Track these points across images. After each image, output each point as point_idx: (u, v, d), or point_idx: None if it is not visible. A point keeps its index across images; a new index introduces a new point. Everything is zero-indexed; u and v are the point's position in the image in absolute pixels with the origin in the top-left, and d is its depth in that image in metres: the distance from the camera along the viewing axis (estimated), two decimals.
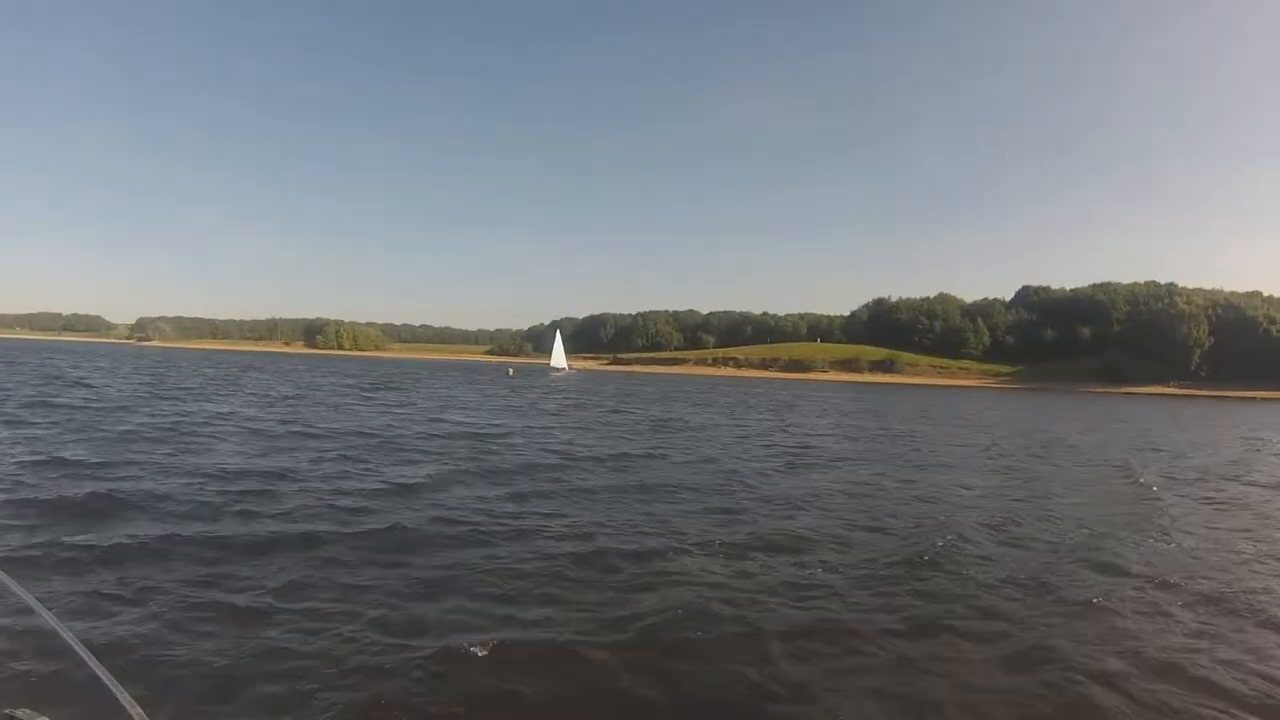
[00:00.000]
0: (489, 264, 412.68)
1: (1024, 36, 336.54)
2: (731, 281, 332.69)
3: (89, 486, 9.37)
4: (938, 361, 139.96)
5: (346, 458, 13.62)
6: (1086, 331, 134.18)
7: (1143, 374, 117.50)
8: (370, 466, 12.68)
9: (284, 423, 19.23)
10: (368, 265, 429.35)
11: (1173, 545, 9.50)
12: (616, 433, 21.40)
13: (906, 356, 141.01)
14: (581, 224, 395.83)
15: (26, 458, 11.60)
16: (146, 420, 17.93)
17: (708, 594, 6.59)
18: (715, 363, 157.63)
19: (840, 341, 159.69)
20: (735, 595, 6.62)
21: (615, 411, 30.07)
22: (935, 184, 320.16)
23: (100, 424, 16.48)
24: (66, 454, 12.03)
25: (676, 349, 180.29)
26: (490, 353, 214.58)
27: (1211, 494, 14.46)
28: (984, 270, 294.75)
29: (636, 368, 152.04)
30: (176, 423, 17.68)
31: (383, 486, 10.80)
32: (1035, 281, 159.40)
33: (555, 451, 16.25)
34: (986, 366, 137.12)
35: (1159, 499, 13.32)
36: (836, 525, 9.81)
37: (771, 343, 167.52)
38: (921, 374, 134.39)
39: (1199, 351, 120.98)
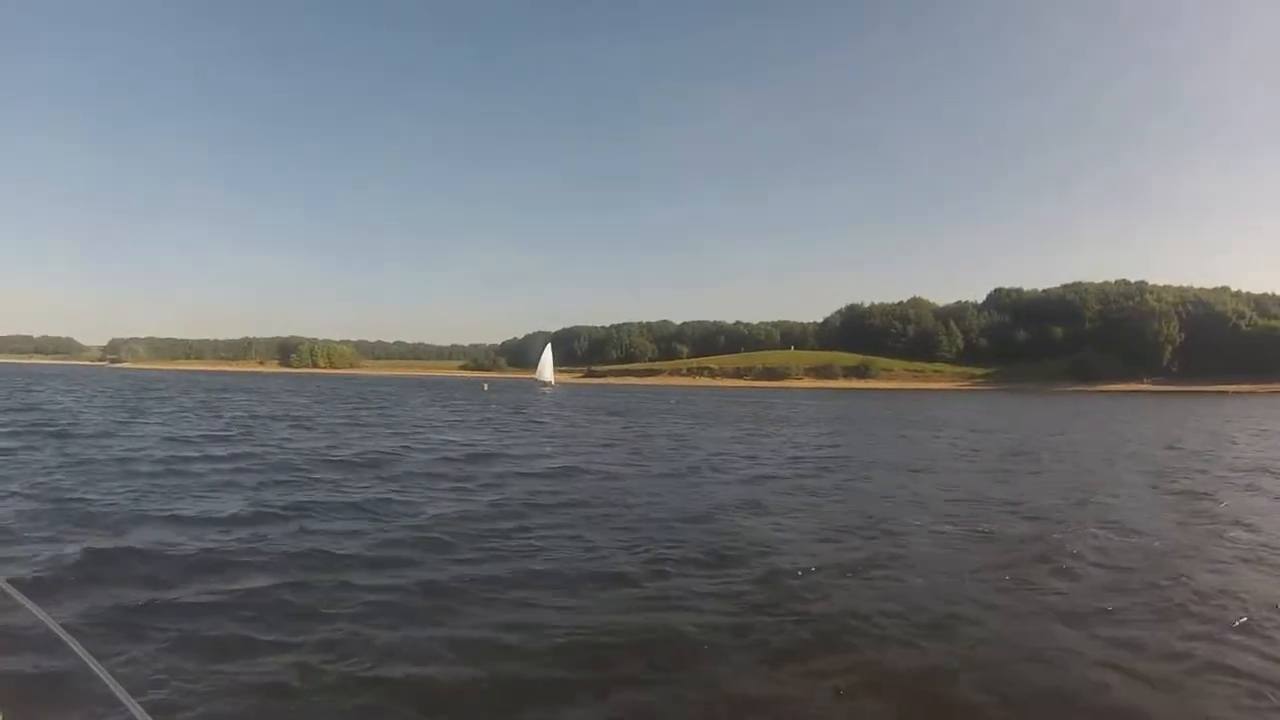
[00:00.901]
0: (461, 278, 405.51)
1: (1003, 42, 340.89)
2: (705, 290, 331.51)
3: (105, 534, 8.45)
4: (912, 365, 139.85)
5: (366, 489, 12.13)
6: (1059, 331, 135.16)
7: (1115, 372, 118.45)
8: (396, 498, 11.32)
9: (282, 449, 17.71)
10: (340, 281, 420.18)
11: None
12: (638, 449, 19.96)
13: (881, 362, 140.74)
14: (552, 237, 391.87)
15: (30, 497, 10.45)
16: (143, 451, 16.43)
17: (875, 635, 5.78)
18: (690, 373, 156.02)
19: (814, 348, 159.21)
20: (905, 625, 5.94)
21: (624, 426, 28.67)
22: (912, 189, 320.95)
23: (96, 458, 14.97)
24: (70, 493, 10.84)
25: (651, 360, 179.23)
26: (464, 368, 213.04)
27: (1270, 489, 13.73)
28: (959, 274, 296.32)
29: (611, 380, 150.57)
30: (173, 456, 15.77)
31: (420, 524, 9.48)
32: (1009, 284, 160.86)
33: (590, 472, 14.92)
34: (960, 369, 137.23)
35: (1215, 498, 12.61)
36: (929, 538, 9.20)
37: (745, 351, 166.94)
38: (896, 378, 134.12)
39: (1170, 348, 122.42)
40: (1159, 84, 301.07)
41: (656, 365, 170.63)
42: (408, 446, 18.79)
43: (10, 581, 1.89)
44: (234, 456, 15.71)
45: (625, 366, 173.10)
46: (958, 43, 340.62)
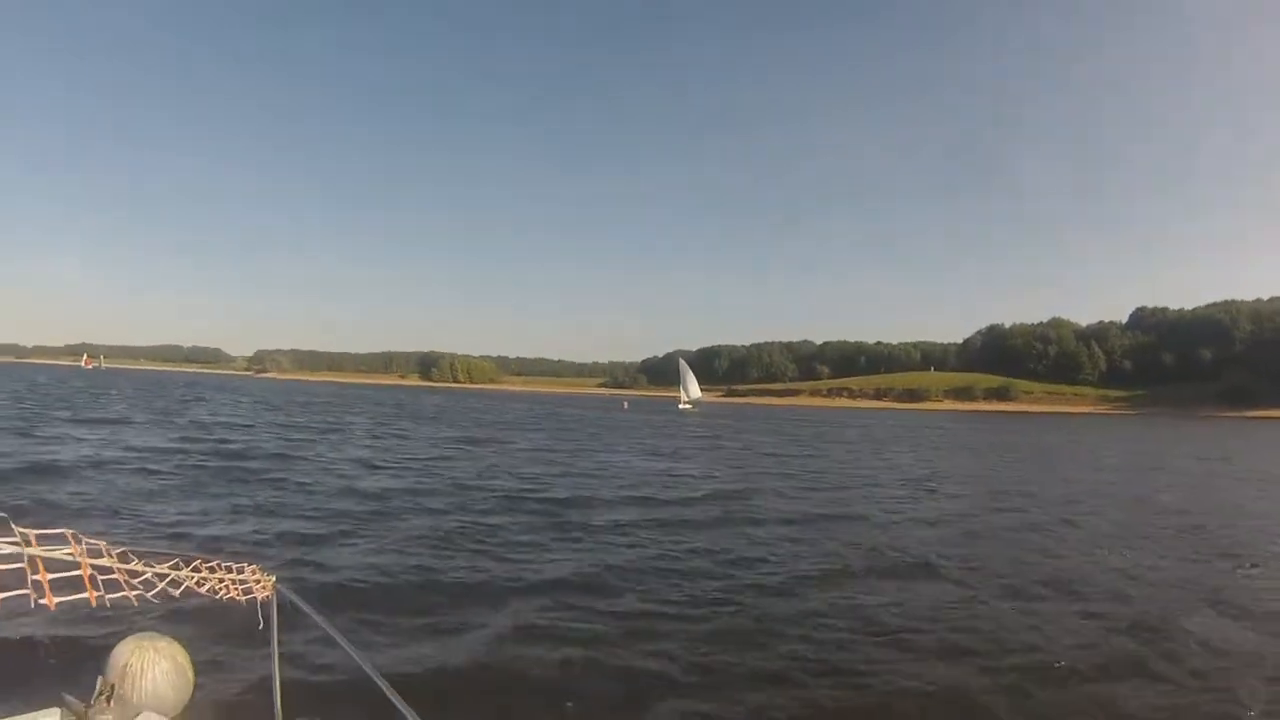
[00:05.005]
0: (604, 296, 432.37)
1: (1147, 56, 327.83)
2: (847, 309, 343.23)
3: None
4: (1053, 388, 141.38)
5: (669, 541, 10.75)
6: (1207, 353, 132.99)
7: (1272, 395, 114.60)
8: (693, 546, 10.40)
9: (503, 481, 16.40)
10: (481, 296, 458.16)
11: None
12: (884, 484, 19.37)
13: (1022, 384, 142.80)
14: (697, 259, 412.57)
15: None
16: (368, 482, 15.54)
17: None
18: (829, 394, 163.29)
19: (954, 369, 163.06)
20: None
21: (811, 455, 27.89)
22: (1052, 207, 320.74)
23: (329, 490, 13.92)
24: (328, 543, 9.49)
25: (791, 380, 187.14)
26: (604, 385, 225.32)
27: None
28: (1101, 292, 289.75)
29: (752, 399, 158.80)
30: (389, 484, 15.14)
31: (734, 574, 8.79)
32: (1153, 303, 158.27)
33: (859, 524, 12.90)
34: (1103, 392, 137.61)
35: None
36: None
37: (885, 372, 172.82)
38: (1037, 401, 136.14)
39: None
40: None
41: (796, 386, 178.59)
42: (654, 482, 17.98)
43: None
44: (482, 489, 14.83)
45: (765, 386, 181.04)
46: (1102, 57, 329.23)
